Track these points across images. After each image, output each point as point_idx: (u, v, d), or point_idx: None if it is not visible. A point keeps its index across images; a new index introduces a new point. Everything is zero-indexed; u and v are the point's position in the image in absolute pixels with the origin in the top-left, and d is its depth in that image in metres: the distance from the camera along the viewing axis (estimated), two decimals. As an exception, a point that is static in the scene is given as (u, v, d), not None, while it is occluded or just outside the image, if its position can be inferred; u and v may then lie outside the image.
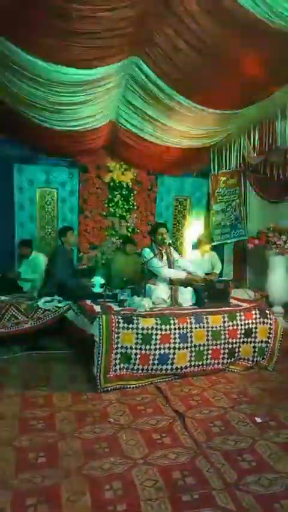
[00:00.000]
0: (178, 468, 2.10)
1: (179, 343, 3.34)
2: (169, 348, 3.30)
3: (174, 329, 3.34)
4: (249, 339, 3.61)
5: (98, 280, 4.33)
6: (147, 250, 4.09)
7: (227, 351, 3.52)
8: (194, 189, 6.02)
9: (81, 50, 3.09)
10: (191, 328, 3.40)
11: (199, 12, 2.83)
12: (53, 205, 5.28)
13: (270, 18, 2.78)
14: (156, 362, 3.27)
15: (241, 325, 3.58)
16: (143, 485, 1.94)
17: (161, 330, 3.29)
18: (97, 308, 3.65)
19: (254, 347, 3.64)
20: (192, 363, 3.40)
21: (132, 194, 5.63)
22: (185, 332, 3.37)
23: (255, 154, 5.16)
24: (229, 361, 3.56)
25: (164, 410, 2.81)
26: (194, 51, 3.21)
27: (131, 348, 3.21)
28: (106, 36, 3.00)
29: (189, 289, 3.92)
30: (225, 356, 3.53)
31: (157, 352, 3.27)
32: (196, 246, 5.54)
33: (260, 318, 3.67)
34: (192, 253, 5.46)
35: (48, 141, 4.62)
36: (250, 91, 3.82)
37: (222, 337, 3.50)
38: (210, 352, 3.46)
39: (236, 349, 3.57)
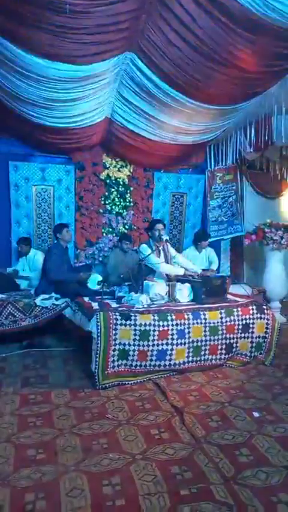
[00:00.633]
0: (176, 463, 2.11)
1: (177, 339, 3.34)
2: (167, 344, 3.31)
3: (172, 325, 3.34)
4: (246, 334, 3.63)
5: (95, 277, 4.33)
6: (144, 246, 4.09)
7: (224, 346, 3.54)
8: (190, 185, 6.01)
9: (76, 45, 3.08)
10: (189, 324, 3.41)
11: (194, 7, 2.82)
12: (49, 202, 5.26)
13: (265, 13, 2.77)
14: (154, 358, 3.28)
15: (238, 320, 3.60)
16: (141, 480, 1.96)
17: (158, 326, 3.30)
18: (95, 305, 3.65)
19: (252, 342, 3.66)
20: (190, 359, 3.41)
21: (128, 191, 5.62)
22: (182, 328, 3.38)
23: (251, 150, 5.16)
24: (227, 356, 3.57)
25: (162, 406, 2.82)
26: (189, 46, 3.21)
27: (129, 345, 3.22)
28: (101, 31, 2.98)
29: (187, 285, 3.93)
30: (223, 351, 3.54)
31: (155, 348, 3.28)
32: (193, 242, 5.54)
33: (257, 313, 3.68)
34: (189, 249, 5.47)
35: (44, 138, 4.60)
36: (245, 87, 3.81)
37: (220, 332, 3.52)
38: (208, 347, 3.47)
39: (234, 345, 3.58)
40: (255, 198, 6.40)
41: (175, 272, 4.02)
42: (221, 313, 3.56)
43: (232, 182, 6.12)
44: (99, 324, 3.16)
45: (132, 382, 3.22)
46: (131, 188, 5.63)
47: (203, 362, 3.47)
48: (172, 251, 4.25)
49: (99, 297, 3.91)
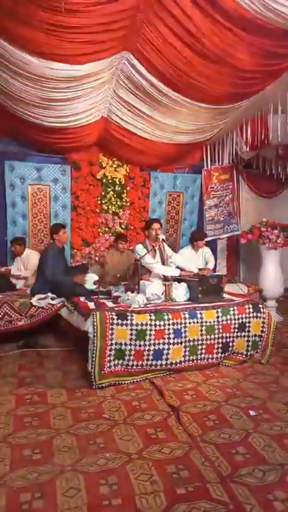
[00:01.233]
0: (173, 462, 2.11)
1: (173, 338, 3.35)
2: (163, 344, 3.31)
3: (169, 324, 3.34)
4: (242, 333, 3.64)
5: (92, 277, 4.32)
6: (140, 246, 4.09)
7: (221, 345, 3.55)
8: (187, 185, 6.01)
9: (72, 45, 3.07)
10: (185, 323, 3.41)
11: (190, 6, 2.82)
12: (45, 202, 5.25)
13: (261, 12, 2.78)
14: (150, 358, 3.28)
15: (235, 319, 3.60)
16: (138, 480, 1.95)
17: (155, 325, 3.30)
18: (91, 305, 3.65)
19: (248, 341, 3.67)
20: (187, 358, 3.42)
21: (125, 190, 5.61)
22: (179, 327, 3.38)
23: (247, 150, 5.17)
24: (223, 355, 3.58)
25: (158, 405, 2.82)
26: (185, 46, 3.21)
27: (126, 344, 3.22)
28: (96, 30, 2.98)
29: (183, 284, 3.93)
30: (219, 350, 3.55)
31: (151, 347, 3.28)
32: (189, 241, 5.55)
33: (253, 312, 3.69)
34: (186, 248, 5.47)
35: (40, 137, 4.59)
36: (241, 86, 3.82)
37: (216, 331, 3.52)
38: (204, 346, 3.48)
39: (230, 344, 3.59)
40: (251, 197, 6.42)
41: (169, 273, 4.02)
42: (217, 312, 3.57)
43: (228, 182, 6.13)
44: (95, 323, 3.16)
45: (128, 381, 3.21)
46: (128, 188, 5.63)
47: (199, 361, 3.48)
48: (168, 251, 4.24)
49: (96, 296, 3.90)
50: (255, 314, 3.70)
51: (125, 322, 3.24)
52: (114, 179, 5.51)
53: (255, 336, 3.69)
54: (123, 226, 5.65)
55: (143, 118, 4.39)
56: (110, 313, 3.26)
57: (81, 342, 3.37)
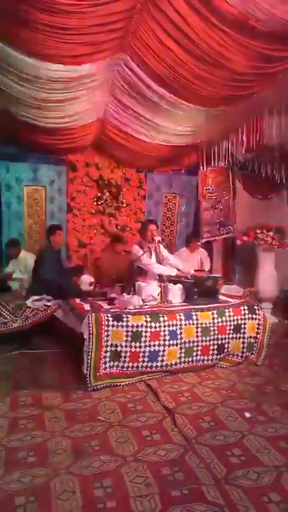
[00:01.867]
0: (168, 464, 2.11)
1: (169, 340, 3.34)
2: (159, 345, 3.31)
3: (164, 326, 3.34)
4: (238, 335, 3.64)
5: (87, 278, 4.31)
6: (136, 247, 4.09)
7: (216, 346, 3.55)
8: (183, 186, 6.02)
9: (68, 46, 3.07)
10: (181, 324, 3.41)
11: (187, 9, 2.82)
12: (41, 203, 5.23)
13: (256, 15, 2.79)
14: (146, 359, 3.28)
15: (230, 321, 3.61)
16: (132, 482, 1.95)
17: (150, 327, 3.29)
18: (86, 306, 3.64)
19: (243, 342, 3.67)
20: (182, 360, 3.41)
21: (121, 192, 5.61)
22: (174, 329, 3.38)
23: (243, 152, 5.19)
24: (218, 357, 3.58)
25: (154, 407, 2.82)
26: (182, 48, 3.21)
27: (121, 346, 3.21)
28: (93, 32, 2.97)
29: (179, 286, 3.93)
30: (215, 352, 3.55)
31: (147, 349, 3.27)
32: (185, 243, 5.56)
33: (248, 314, 3.70)
34: (182, 250, 5.48)
35: (36, 138, 4.57)
36: (238, 88, 3.83)
37: (212, 333, 3.52)
38: (199, 348, 3.48)
39: (226, 345, 3.60)
40: (247, 199, 6.43)
41: (167, 273, 4.03)
42: (212, 313, 3.57)
43: (224, 183, 6.16)
44: (90, 325, 3.15)
45: (124, 383, 3.21)
46: (124, 189, 5.63)
47: (195, 363, 3.48)
48: (164, 252, 4.24)
49: (91, 298, 3.89)
50: (250, 316, 3.70)
51: (120, 323, 3.23)
52: (111, 180, 5.51)
53: (250, 337, 3.70)
54: (119, 227, 5.65)
55: (139, 120, 4.39)
56: (105, 315, 3.26)
57: (77, 343, 3.36)
